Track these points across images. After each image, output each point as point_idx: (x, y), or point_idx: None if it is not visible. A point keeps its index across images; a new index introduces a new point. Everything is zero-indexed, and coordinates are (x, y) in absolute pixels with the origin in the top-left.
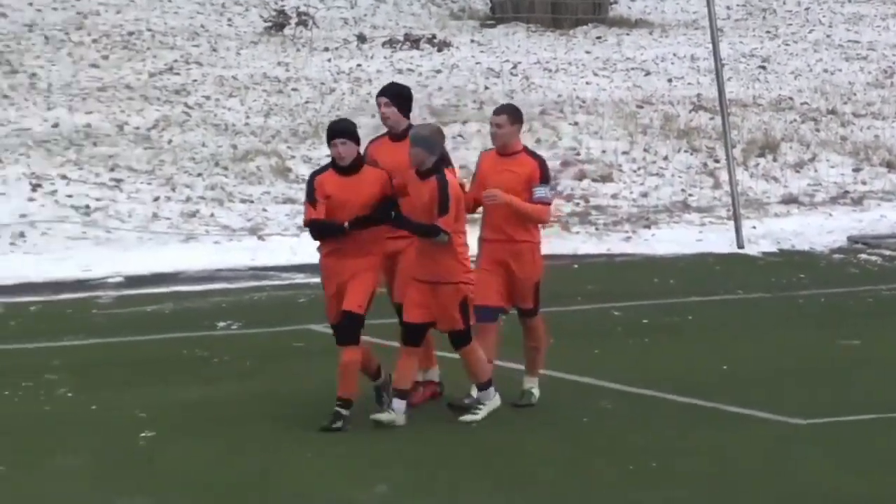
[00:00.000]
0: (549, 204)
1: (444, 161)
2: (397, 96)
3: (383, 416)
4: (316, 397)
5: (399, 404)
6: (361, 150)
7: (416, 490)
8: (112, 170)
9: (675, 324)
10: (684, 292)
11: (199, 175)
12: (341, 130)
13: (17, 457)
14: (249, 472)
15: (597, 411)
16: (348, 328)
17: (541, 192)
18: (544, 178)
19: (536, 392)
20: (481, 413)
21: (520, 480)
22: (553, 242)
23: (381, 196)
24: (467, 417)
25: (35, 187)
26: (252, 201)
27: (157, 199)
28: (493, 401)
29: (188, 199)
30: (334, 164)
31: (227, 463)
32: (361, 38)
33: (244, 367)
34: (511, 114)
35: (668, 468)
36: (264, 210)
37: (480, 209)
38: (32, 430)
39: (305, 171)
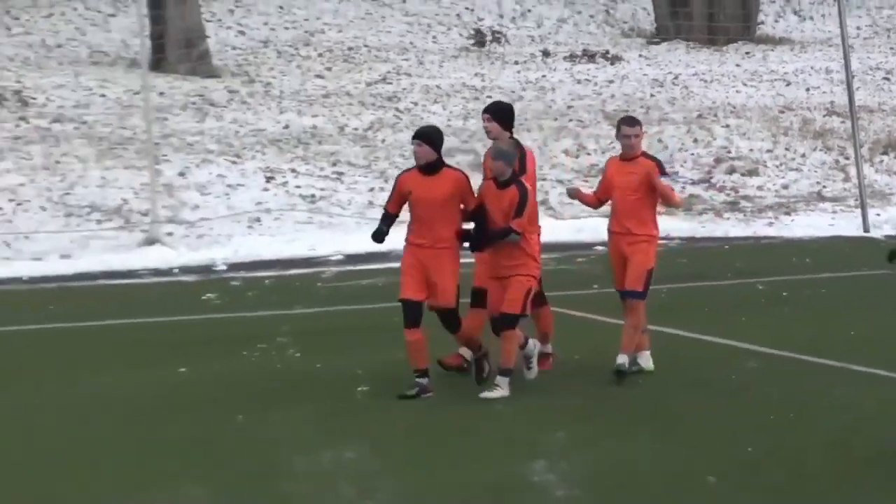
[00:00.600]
0: (673, 189)
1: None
2: (498, 111)
3: (493, 394)
4: (494, 359)
5: (504, 380)
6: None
7: (596, 438)
8: (334, 164)
9: (811, 296)
10: (818, 269)
11: None
12: (420, 134)
13: (252, 406)
14: (452, 420)
15: (744, 370)
16: (445, 319)
17: (665, 180)
18: (662, 172)
19: (624, 362)
20: (497, 393)
21: (677, 428)
22: (707, 227)
23: (452, 193)
24: (486, 394)
25: (269, 179)
26: None
27: (371, 189)
28: (506, 390)
29: None
30: (418, 165)
31: (433, 412)
32: (545, 53)
33: (444, 333)
34: (630, 124)
35: (803, 418)
36: None
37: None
38: (266, 384)
39: None
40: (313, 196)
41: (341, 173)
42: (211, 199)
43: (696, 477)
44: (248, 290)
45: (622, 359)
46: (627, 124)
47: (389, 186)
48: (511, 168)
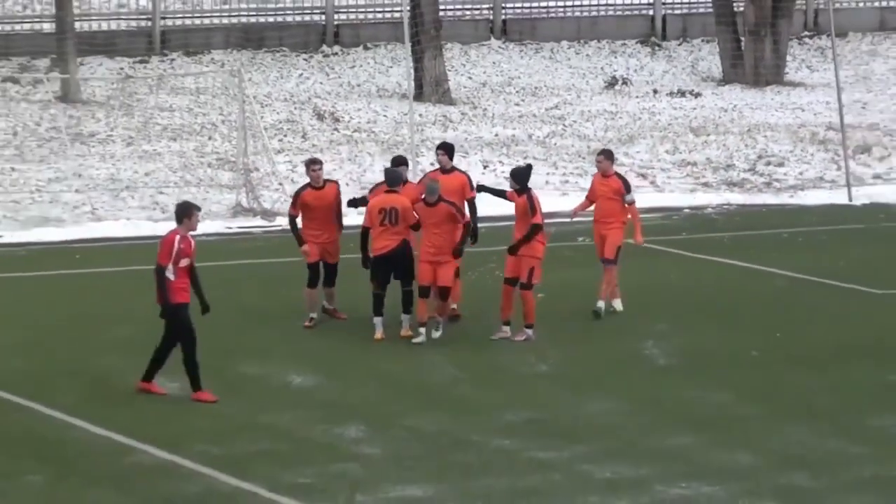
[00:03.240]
0: (633, 203)
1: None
2: (447, 148)
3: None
4: None
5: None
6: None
7: (673, 332)
8: (524, 158)
9: (817, 240)
10: (821, 224)
11: None
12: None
13: None
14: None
15: (775, 286)
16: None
17: (628, 197)
18: (627, 189)
19: (601, 307)
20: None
21: (728, 318)
22: (752, 198)
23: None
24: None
25: (485, 167)
26: None
27: (547, 173)
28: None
29: None
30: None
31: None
32: (655, 91)
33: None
34: (607, 155)
35: (812, 317)
36: None
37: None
38: None
39: None
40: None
41: (529, 163)
42: None
43: (744, 352)
44: None
45: (600, 304)
46: (598, 154)
47: (558, 171)
48: (519, 185)
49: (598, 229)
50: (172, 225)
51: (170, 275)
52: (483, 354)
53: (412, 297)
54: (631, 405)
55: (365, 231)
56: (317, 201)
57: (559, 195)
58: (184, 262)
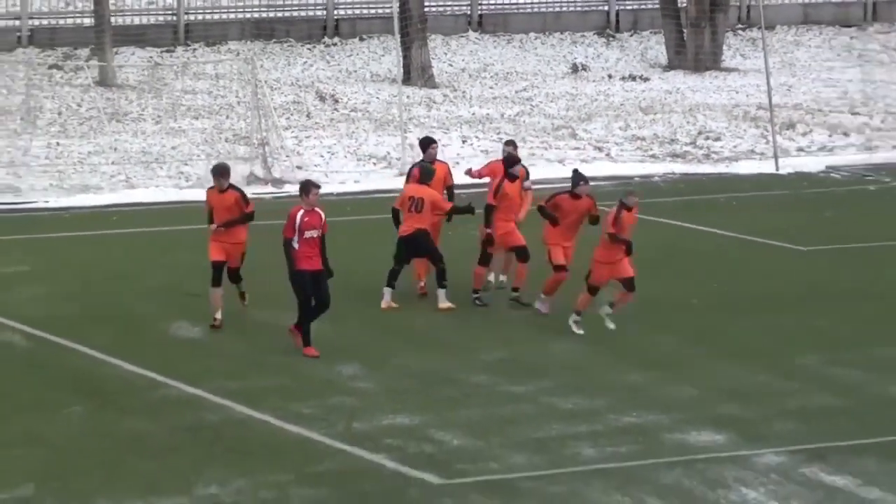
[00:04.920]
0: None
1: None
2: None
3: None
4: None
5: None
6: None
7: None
8: (498, 134)
9: (749, 203)
10: (754, 190)
11: None
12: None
13: None
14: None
15: (717, 244)
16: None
17: (525, 183)
18: (527, 176)
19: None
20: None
21: (667, 268)
22: (694, 168)
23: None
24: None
25: (464, 142)
26: None
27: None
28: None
29: None
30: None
31: None
32: (609, 76)
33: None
34: (514, 145)
35: (739, 267)
36: None
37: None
38: None
39: None
40: (486, 151)
41: (502, 138)
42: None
43: (686, 301)
44: None
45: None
46: (507, 143)
47: (526, 145)
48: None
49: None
50: (197, 192)
51: (295, 244)
52: (464, 303)
53: (444, 274)
54: (589, 347)
55: (395, 211)
56: (218, 203)
57: (529, 165)
58: (308, 234)
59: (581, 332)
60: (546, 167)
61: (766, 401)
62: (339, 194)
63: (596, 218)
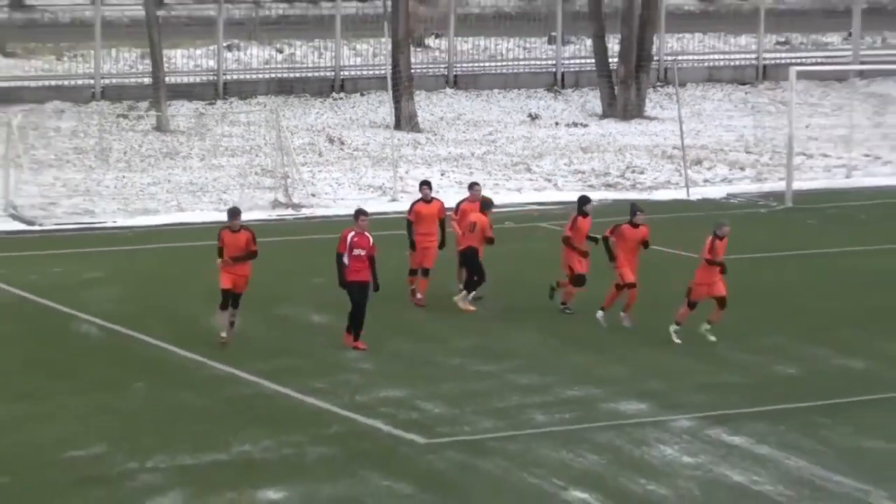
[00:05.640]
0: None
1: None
2: (428, 183)
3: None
4: None
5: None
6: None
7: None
8: (471, 174)
9: (666, 224)
10: (669, 212)
11: None
12: (425, 181)
13: None
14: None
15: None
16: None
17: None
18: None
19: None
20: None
21: None
22: (621, 196)
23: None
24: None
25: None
26: None
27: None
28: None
29: None
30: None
31: None
32: (557, 123)
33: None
34: (479, 186)
35: None
36: None
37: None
38: None
39: None
40: (460, 182)
41: (472, 173)
42: None
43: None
44: None
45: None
46: (475, 185)
47: (492, 177)
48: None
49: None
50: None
51: (346, 260)
52: (446, 302)
53: (475, 284)
54: (542, 336)
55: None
56: (231, 241)
57: (493, 193)
58: (357, 252)
59: (679, 341)
60: (507, 195)
61: (680, 378)
62: (344, 216)
63: (647, 244)
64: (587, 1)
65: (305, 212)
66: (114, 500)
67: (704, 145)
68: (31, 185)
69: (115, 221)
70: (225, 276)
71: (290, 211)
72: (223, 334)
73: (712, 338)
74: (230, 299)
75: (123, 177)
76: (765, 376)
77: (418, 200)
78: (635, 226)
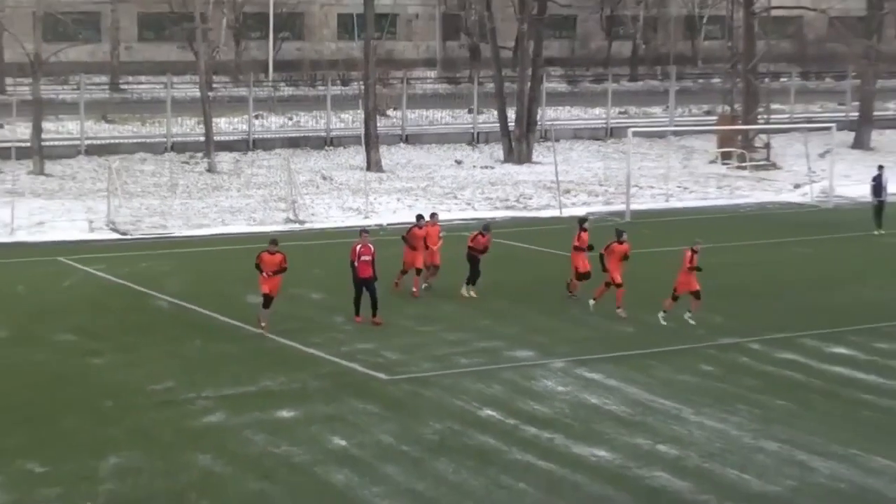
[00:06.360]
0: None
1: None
2: (420, 217)
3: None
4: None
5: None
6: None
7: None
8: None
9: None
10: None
11: None
12: (420, 216)
13: None
14: None
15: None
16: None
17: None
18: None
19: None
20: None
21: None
22: (531, 213)
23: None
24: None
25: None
26: None
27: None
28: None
29: None
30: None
31: None
32: (474, 166)
33: None
34: (437, 215)
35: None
36: None
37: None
38: None
39: None
40: (411, 206)
41: (416, 198)
42: None
43: (510, 282)
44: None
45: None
46: (432, 215)
47: (431, 203)
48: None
49: (428, 256)
50: (259, 227)
51: (356, 264)
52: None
53: (474, 279)
54: (462, 308)
55: (469, 248)
56: (269, 260)
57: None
58: (363, 258)
59: (665, 323)
60: (442, 214)
61: (555, 334)
62: (333, 228)
63: (628, 256)
64: (494, 86)
65: (307, 225)
66: (179, 417)
67: (572, 180)
68: (124, 208)
69: (180, 232)
70: (265, 285)
71: (296, 225)
72: (263, 324)
73: (693, 322)
74: (269, 300)
75: (186, 202)
76: (612, 333)
77: (414, 226)
78: (621, 243)
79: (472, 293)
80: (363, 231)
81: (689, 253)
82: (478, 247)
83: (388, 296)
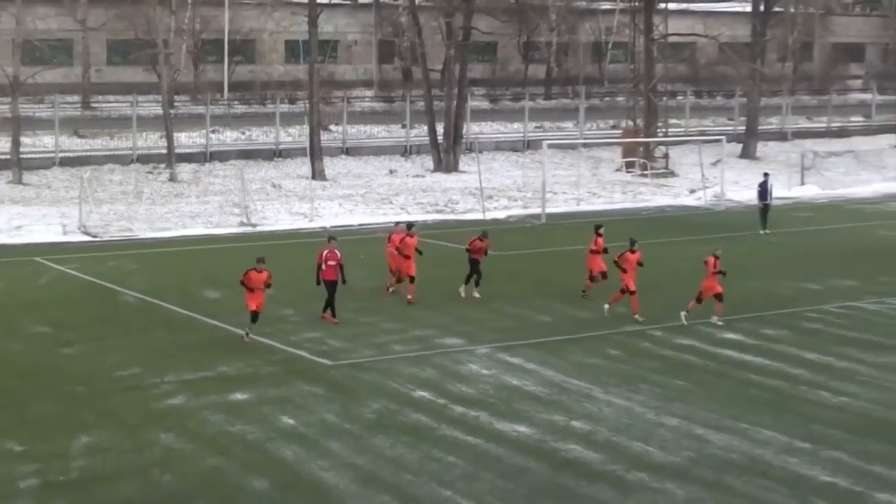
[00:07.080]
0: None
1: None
2: (399, 223)
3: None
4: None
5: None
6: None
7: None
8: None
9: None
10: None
11: None
12: (409, 224)
13: None
14: None
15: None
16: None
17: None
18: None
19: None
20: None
21: None
22: (474, 215)
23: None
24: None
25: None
26: None
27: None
28: None
29: None
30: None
31: None
32: (408, 175)
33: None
34: (402, 224)
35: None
36: None
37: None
38: None
39: None
40: (351, 210)
41: (356, 203)
42: None
43: (443, 277)
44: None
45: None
46: (401, 224)
47: (369, 209)
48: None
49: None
50: (216, 230)
51: (323, 267)
52: (349, 287)
53: (474, 279)
54: (397, 301)
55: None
56: (256, 277)
57: (370, 217)
58: (329, 263)
59: (686, 322)
60: (379, 217)
61: (480, 324)
62: (281, 231)
63: (641, 263)
64: (424, 104)
65: (259, 228)
66: (144, 400)
67: (494, 187)
68: (95, 214)
69: (145, 235)
70: (252, 302)
71: (249, 228)
72: (247, 340)
73: (720, 323)
74: (255, 316)
75: (150, 208)
76: (531, 322)
77: (394, 231)
78: (633, 252)
79: (476, 294)
80: (331, 238)
81: (712, 259)
82: (474, 249)
83: (342, 293)
